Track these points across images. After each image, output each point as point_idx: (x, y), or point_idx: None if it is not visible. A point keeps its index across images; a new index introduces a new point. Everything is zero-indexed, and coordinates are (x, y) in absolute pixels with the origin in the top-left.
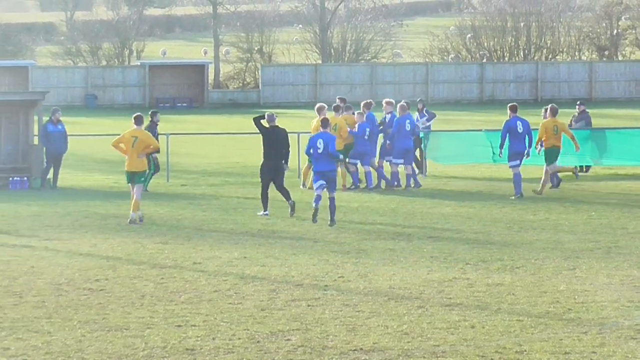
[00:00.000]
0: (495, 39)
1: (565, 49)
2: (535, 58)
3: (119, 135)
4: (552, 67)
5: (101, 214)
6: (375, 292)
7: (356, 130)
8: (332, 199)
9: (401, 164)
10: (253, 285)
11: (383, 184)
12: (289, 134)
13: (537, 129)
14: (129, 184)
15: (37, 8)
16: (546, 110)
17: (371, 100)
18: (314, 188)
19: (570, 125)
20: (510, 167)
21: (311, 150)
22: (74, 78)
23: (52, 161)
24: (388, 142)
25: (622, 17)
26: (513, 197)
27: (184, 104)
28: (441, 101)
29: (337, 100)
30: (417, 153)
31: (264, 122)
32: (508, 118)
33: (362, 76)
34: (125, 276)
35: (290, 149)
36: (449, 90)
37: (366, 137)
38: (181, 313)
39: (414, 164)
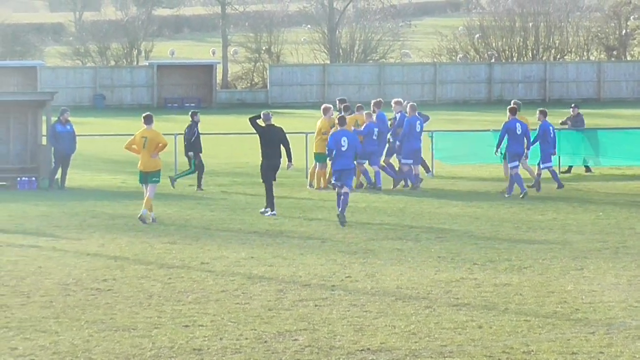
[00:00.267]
0: (504, 39)
1: (573, 49)
2: (544, 58)
3: (127, 135)
4: (560, 67)
5: (109, 214)
6: (383, 292)
7: (361, 130)
8: (345, 194)
9: (411, 163)
10: (260, 285)
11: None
12: (296, 134)
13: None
14: (142, 184)
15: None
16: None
17: (381, 99)
18: (332, 183)
19: (563, 126)
20: (510, 168)
21: (334, 148)
22: (82, 78)
23: (61, 161)
24: (398, 142)
25: (631, 17)
26: (521, 196)
27: (192, 104)
28: (449, 101)
29: (337, 101)
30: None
31: (260, 122)
32: (507, 120)
33: (370, 76)
34: (133, 276)
35: (291, 146)
36: (457, 90)
37: (374, 137)
38: (188, 313)
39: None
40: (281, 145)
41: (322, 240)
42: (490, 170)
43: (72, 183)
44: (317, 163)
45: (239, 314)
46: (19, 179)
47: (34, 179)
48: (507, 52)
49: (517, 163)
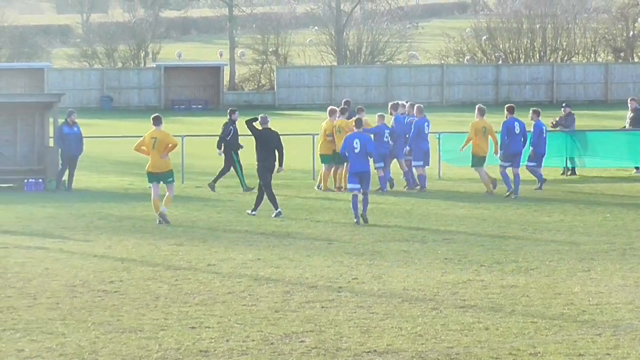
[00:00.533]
0: (511, 41)
1: (580, 51)
2: (551, 60)
3: (134, 137)
4: (567, 69)
5: (116, 216)
6: (389, 294)
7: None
8: (365, 195)
9: (422, 165)
10: (267, 287)
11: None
12: (303, 135)
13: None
14: (150, 185)
15: (53, 10)
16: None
17: (398, 102)
18: (349, 190)
19: (554, 126)
20: (502, 166)
21: (347, 151)
22: (89, 80)
23: (68, 163)
24: (407, 147)
25: (638, 19)
26: (514, 197)
27: (199, 106)
28: (456, 103)
29: (343, 103)
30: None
31: (257, 124)
32: (505, 119)
33: (377, 78)
34: (140, 278)
35: (284, 150)
36: (465, 92)
37: (385, 139)
38: (195, 315)
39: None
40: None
41: (329, 241)
42: (497, 171)
43: (79, 185)
44: (323, 164)
45: (246, 315)
46: (26, 180)
47: (41, 180)
48: (515, 53)
49: (509, 163)
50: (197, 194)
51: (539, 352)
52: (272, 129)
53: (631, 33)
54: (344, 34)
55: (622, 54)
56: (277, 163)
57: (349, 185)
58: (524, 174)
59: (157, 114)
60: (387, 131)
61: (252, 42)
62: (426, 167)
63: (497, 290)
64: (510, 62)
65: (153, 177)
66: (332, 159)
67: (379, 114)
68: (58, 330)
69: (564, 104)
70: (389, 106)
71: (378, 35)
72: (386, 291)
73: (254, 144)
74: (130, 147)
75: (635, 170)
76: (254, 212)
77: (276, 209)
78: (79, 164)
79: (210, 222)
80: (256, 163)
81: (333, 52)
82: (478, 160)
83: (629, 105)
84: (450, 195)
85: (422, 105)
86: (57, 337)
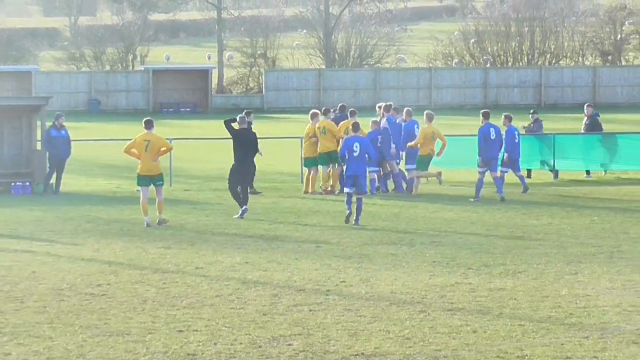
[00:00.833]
0: (499, 44)
1: (568, 54)
2: (539, 63)
3: (122, 140)
4: (555, 72)
5: (103, 219)
6: (377, 297)
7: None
8: (359, 200)
9: (415, 169)
10: (255, 290)
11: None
12: (292, 138)
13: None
14: (139, 188)
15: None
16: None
17: (391, 103)
18: (345, 191)
19: (528, 131)
20: (479, 172)
21: (346, 154)
22: (77, 83)
23: (56, 166)
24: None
25: (626, 22)
26: (472, 199)
27: (188, 109)
28: (445, 106)
29: (338, 107)
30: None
31: (235, 125)
32: (481, 124)
33: (366, 81)
34: (127, 281)
35: (257, 155)
36: (453, 95)
37: (379, 145)
38: (183, 318)
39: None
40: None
41: (317, 245)
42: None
43: (67, 188)
44: (308, 168)
45: (234, 318)
46: (13, 184)
47: (28, 184)
48: (503, 57)
49: (485, 168)
50: (186, 197)
51: (527, 355)
52: (250, 129)
53: (619, 36)
54: (333, 37)
55: (609, 57)
56: (252, 164)
57: (345, 189)
58: (512, 177)
59: (149, 118)
60: (379, 137)
61: (240, 45)
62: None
63: (484, 293)
64: (499, 66)
65: (144, 180)
66: (316, 163)
67: (372, 119)
68: (45, 334)
69: (531, 110)
70: (382, 108)
71: (366, 38)
72: (374, 294)
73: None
74: (119, 150)
75: (586, 174)
76: (239, 218)
77: (242, 207)
78: (66, 167)
79: (198, 225)
80: (232, 163)
81: (321, 55)
82: (423, 161)
83: (585, 111)
84: (439, 198)
85: (410, 109)
86: (45, 340)
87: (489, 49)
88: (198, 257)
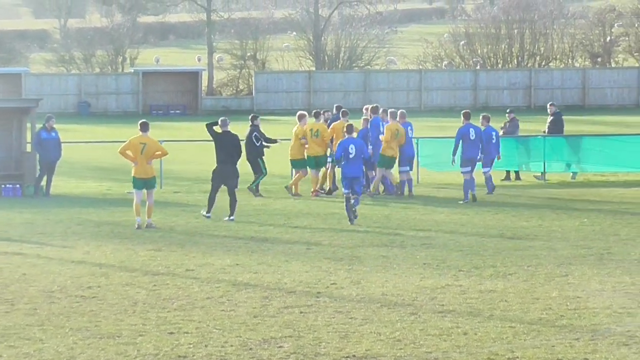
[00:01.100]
0: (489, 46)
1: (558, 56)
2: (529, 65)
3: (112, 142)
4: (545, 74)
5: (94, 221)
6: (368, 299)
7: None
8: (356, 199)
9: (408, 170)
10: (246, 292)
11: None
12: (282, 140)
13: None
14: (130, 191)
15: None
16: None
17: (377, 105)
18: (343, 192)
19: (504, 131)
20: (462, 172)
21: (342, 155)
22: (67, 85)
23: (46, 168)
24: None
25: (615, 24)
26: (461, 202)
27: (178, 111)
28: (435, 108)
29: (334, 108)
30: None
31: (217, 128)
32: (461, 125)
33: (355, 83)
34: (118, 283)
35: (241, 154)
36: (443, 97)
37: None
38: (173, 320)
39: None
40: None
41: (308, 247)
42: (475, 176)
43: (57, 190)
44: (296, 169)
45: (224, 321)
46: (3, 186)
47: (18, 186)
48: (493, 59)
49: (469, 168)
50: (175, 200)
51: (517, 357)
52: (232, 132)
53: (608, 38)
54: (322, 39)
55: (599, 59)
56: (235, 167)
57: (343, 191)
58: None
59: (144, 120)
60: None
61: (230, 47)
62: (409, 171)
63: (475, 295)
64: (488, 68)
65: (140, 182)
66: (303, 164)
67: (364, 117)
68: (36, 336)
69: (508, 110)
70: (369, 109)
71: (356, 40)
72: (365, 296)
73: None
74: (109, 152)
75: (536, 175)
76: (231, 218)
77: (207, 212)
78: (57, 170)
79: (188, 227)
80: (215, 166)
81: (311, 57)
82: (386, 161)
83: (549, 110)
84: (429, 200)
85: (404, 111)
86: (35, 342)
87: (479, 51)
88: (188, 259)
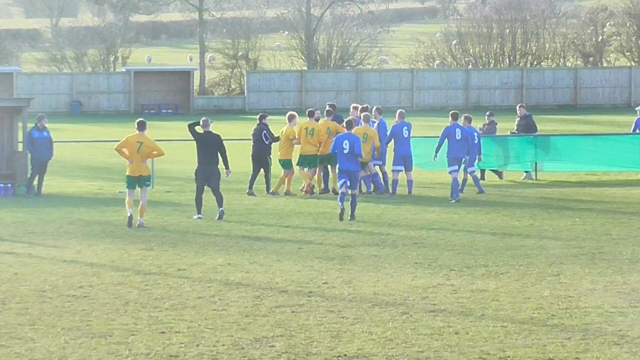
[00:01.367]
0: (481, 46)
1: (550, 56)
2: (521, 64)
3: (104, 142)
4: (537, 74)
5: (85, 221)
6: (360, 299)
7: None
8: (353, 196)
9: (401, 170)
10: (237, 292)
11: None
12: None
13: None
14: (122, 190)
15: (21, 14)
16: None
17: (367, 105)
18: (338, 187)
19: (482, 132)
20: (450, 172)
21: (336, 150)
22: (59, 84)
23: (38, 168)
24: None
25: (607, 24)
26: (453, 201)
27: (170, 111)
28: (426, 108)
29: (327, 106)
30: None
31: (198, 128)
32: (448, 124)
33: (347, 83)
34: (109, 283)
35: (227, 153)
36: (435, 96)
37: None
38: (165, 320)
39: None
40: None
41: (299, 246)
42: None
43: (49, 189)
44: (284, 169)
45: (216, 320)
46: None
47: (10, 185)
48: (484, 58)
49: (456, 167)
50: (167, 199)
51: (509, 356)
52: (214, 132)
53: (600, 38)
54: (314, 38)
55: (591, 59)
56: (216, 166)
57: (339, 182)
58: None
59: (141, 119)
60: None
61: (222, 46)
62: (408, 172)
63: (467, 295)
64: (480, 67)
65: (133, 181)
66: (291, 163)
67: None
68: (27, 336)
69: (488, 112)
70: (373, 110)
71: (348, 39)
72: (356, 296)
73: (196, 147)
74: (100, 151)
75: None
76: (221, 209)
77: (198, 214)
78: (48, 169)
79: (180, 226)
80: (197, 166)
81: (303, 57)
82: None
83: (518, 111)
84: (421, 199)
85: (403, 111)
86: (26, 342)
87: (471, 51)
88: (180, 259)
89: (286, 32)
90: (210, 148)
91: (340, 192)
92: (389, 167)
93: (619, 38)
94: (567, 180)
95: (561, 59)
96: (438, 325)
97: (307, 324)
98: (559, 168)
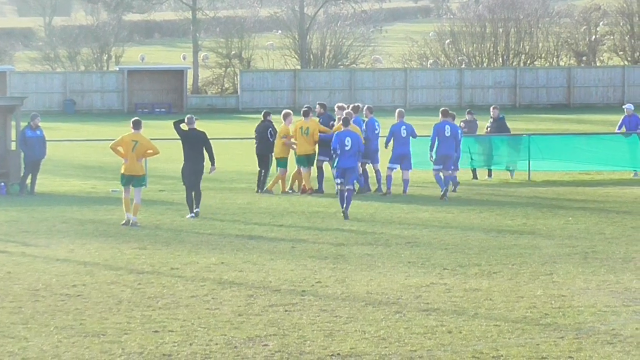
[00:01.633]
0: (474, 45)
1: (543, 55)
2: (514, 64)
3: (98, 141)
4: (530, 73)
5: (78, 220)
6: (353, 298)
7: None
8: (349, 191)
9: (396, 169)
10: (230, 291)
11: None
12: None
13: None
14: (115, 189)
15: (14, 13)
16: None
17: (359, 104)
18: (336, 184)
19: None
20: (433, 169)
21: (338, 148)
22: (52, 83)
23: (31, 167)
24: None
25: (600, 23)
26: (446, 198)
27: (163, 110)
28: (420, 107)
29: (317, 106)
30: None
31: (183, 126)
32: (438, 121)
33: (341, 82)
34: (103, 282)
35: (213, 149)
36: (428, 95)
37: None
38: (158, 319)
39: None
40: (204, 150)
41: (292, 245)
42: (459, 175)
43: (42, 188)
44: (280, 168)
45: (209, 319)
46: None
47: (3, 184)
48: (478, 57)
49: (441, 167)
50: (161, 198)
51: (502, 355)
52: (198, 129)
53: (593, 37)
54: (308, 37)
55: (584, 58)
56: (202, 164)
57: (335, 179)
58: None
59: (137, 118)
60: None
61: (215, 45)
62: (405, 170)
63: (460, 294)
64: (474, 66)
65: (127, 179)
66: (287, 162)
67: (337, 117)
68: (20, 334)
69: (468, 110)
70: (364, 109)
71: (342, 38)
72: (350, 295)
73: (181, 145)
74: (94, 150)
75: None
76: (196, 210)
77: (190, 213)
78: (41, 168)
79: (173, 225)
80: (182, 164)
81: (297, 56)
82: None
83: (491, 113)
84: (414, 199)
85: (402, 110)
86: (19, 341)
87: (464, 50)
88: (173, 258)
89: (279, 31)
90: (195, 145)
91: (338, 188)
92: (384, 165)
93: (612, 37)
94: (561, 180)
95: (554, 58)
96: (431, 324)
97: (300, 323)
98: (552, 167)
